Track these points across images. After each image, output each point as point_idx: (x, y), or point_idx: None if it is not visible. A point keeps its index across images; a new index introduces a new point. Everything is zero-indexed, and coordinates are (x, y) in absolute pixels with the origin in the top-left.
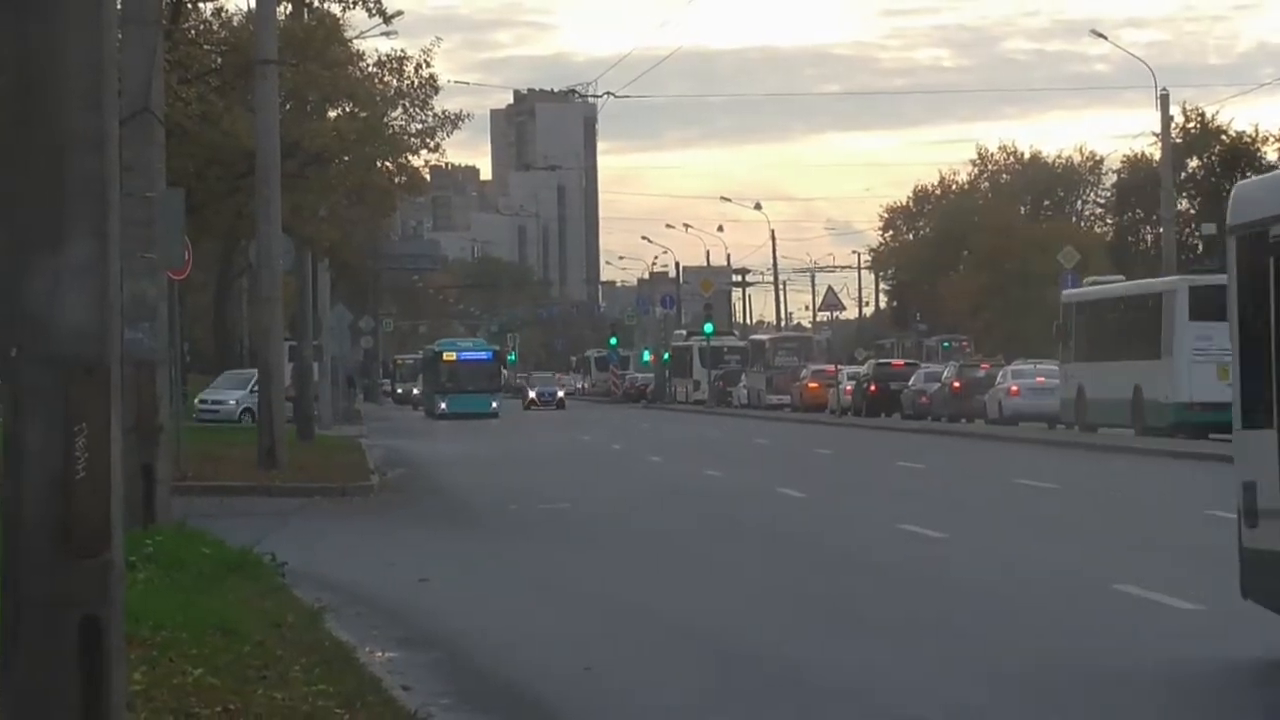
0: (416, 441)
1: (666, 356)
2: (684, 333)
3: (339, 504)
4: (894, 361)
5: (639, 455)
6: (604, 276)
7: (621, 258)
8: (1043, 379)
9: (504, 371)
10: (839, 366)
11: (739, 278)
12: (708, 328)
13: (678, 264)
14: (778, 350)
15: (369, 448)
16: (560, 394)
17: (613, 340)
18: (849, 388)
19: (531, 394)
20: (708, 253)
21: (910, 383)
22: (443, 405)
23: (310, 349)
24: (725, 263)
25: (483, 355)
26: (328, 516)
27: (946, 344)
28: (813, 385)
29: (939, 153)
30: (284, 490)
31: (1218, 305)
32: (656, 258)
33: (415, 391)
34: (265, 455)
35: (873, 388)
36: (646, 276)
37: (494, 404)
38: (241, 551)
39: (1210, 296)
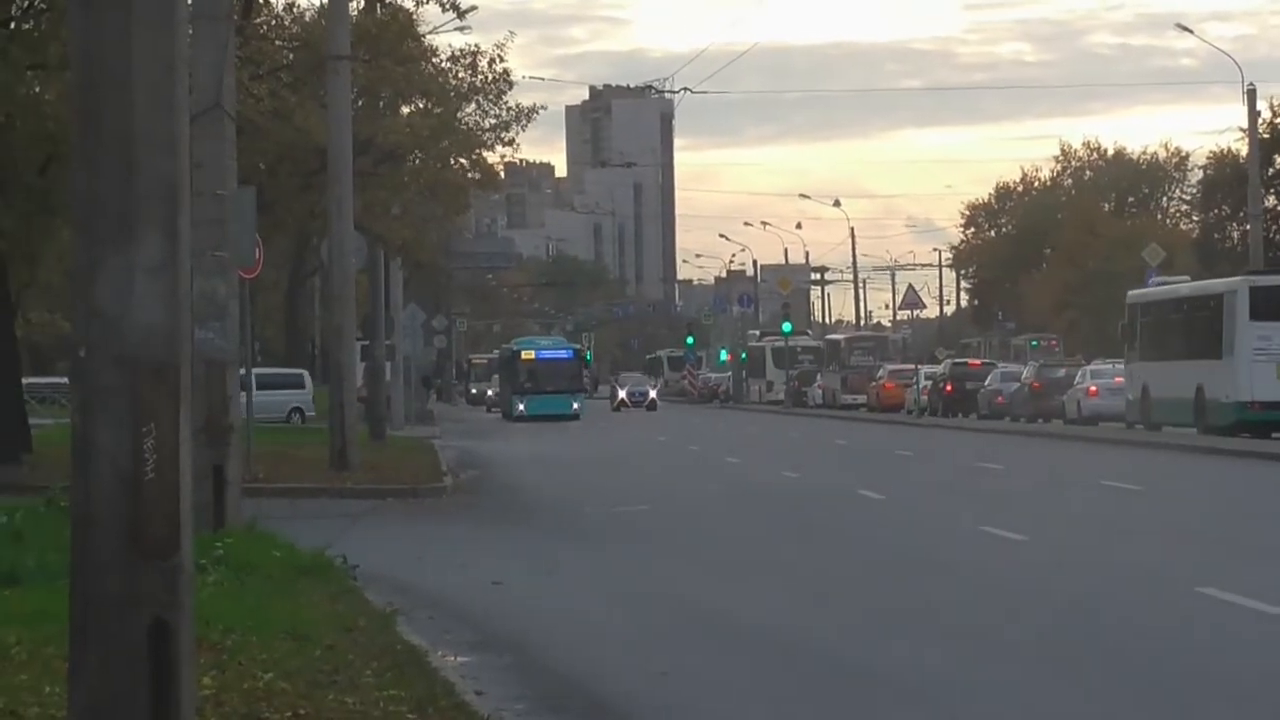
0: (491, 442)
1: (744, 356)
2: (757, 333)
3: (411, 506)
4: (970, 361)
5: (716, 456)
6: (680, 275)
7: (698, 256)
8: (1121, 379)
9: (585, 371)
10: (918, 366)
11: (818, 276)
12: (786, 327)
13: (755, 262)
14: (853, 350)
15: (442, 449)
16: (652, 394)
17: (689, 339)
18: (926, 387)
19: (621, 394)
20: (786, 250)
21: (986, 383)
22: (521, 407)
23: (383, 348)
24: (804, 261)
25: (563, 354)
26: (400, 518)
27: (1034, 343)
28: (889, 385)
29: (1019, 149)
30: (355, 492)
31: (1277, 305)
32: (734, 256)
33: (490, 392)
34: (337, 456)
35: (948, 387)
36: (724, 275)
37: (575, 405)
38: (313, 554)
39: (1271, 296)
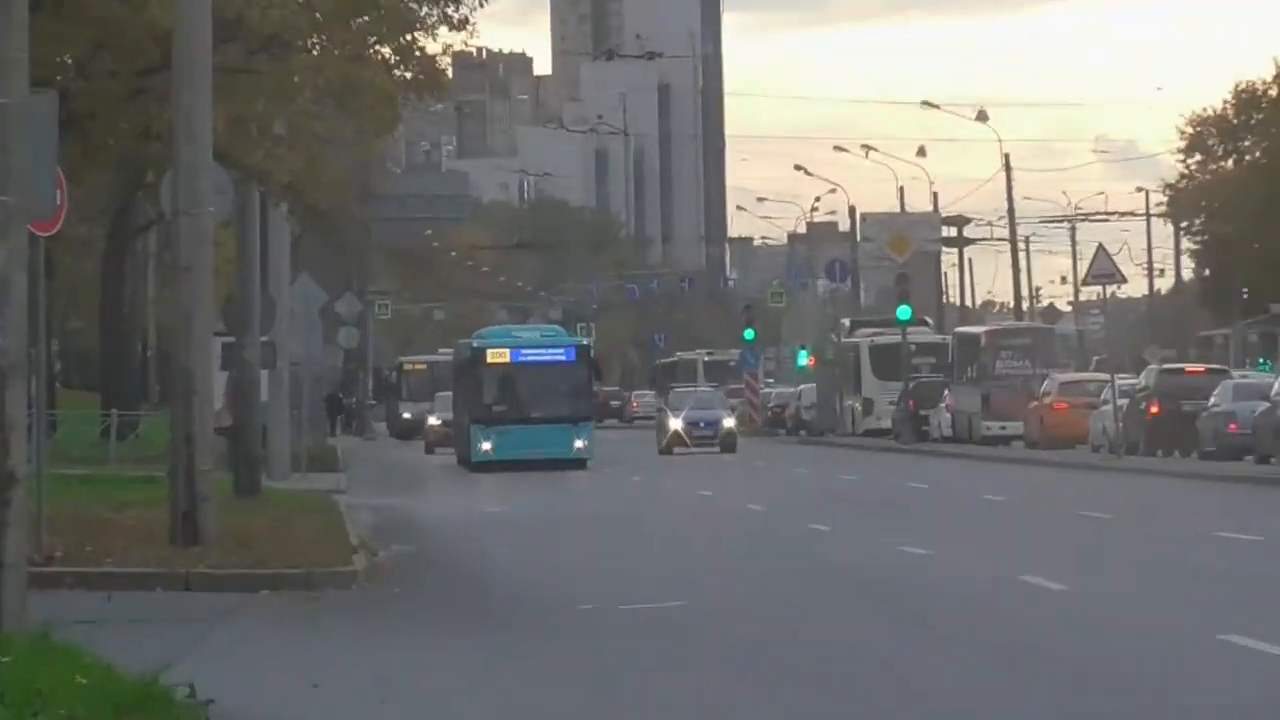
0: (433, 500)
1: (829, 356)
2: (847, 323)
3: (299, 603)
4: (1187, 368)
5: (793, 521)
6: (732, 231)
7: (762, 200)
8: None
9: (596, 381)
10: (1112, 375)
11: (952, 231)
12: (902, 311)
13: (853, 210)
14: (999, 350)
15: (352, 510)
16: (729, 422)
17: (748, 333)
18: (1121, 409)
19: (676, 423)
20: (900, 192)
21: (1212, 401)
22: (486, 445)
23: (257, 349)
24: (930, 207)
25: (558, 353)
26: (280, 624)
27: None
28: (1060, 405)
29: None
30: (211, 580)
31: None
32: (817, 201)
33: (435, 420)
34: (181, 523)
35: (1153, 408)
36: (800, 230)
37: (579, 442)
38: (141, 682)
39: None
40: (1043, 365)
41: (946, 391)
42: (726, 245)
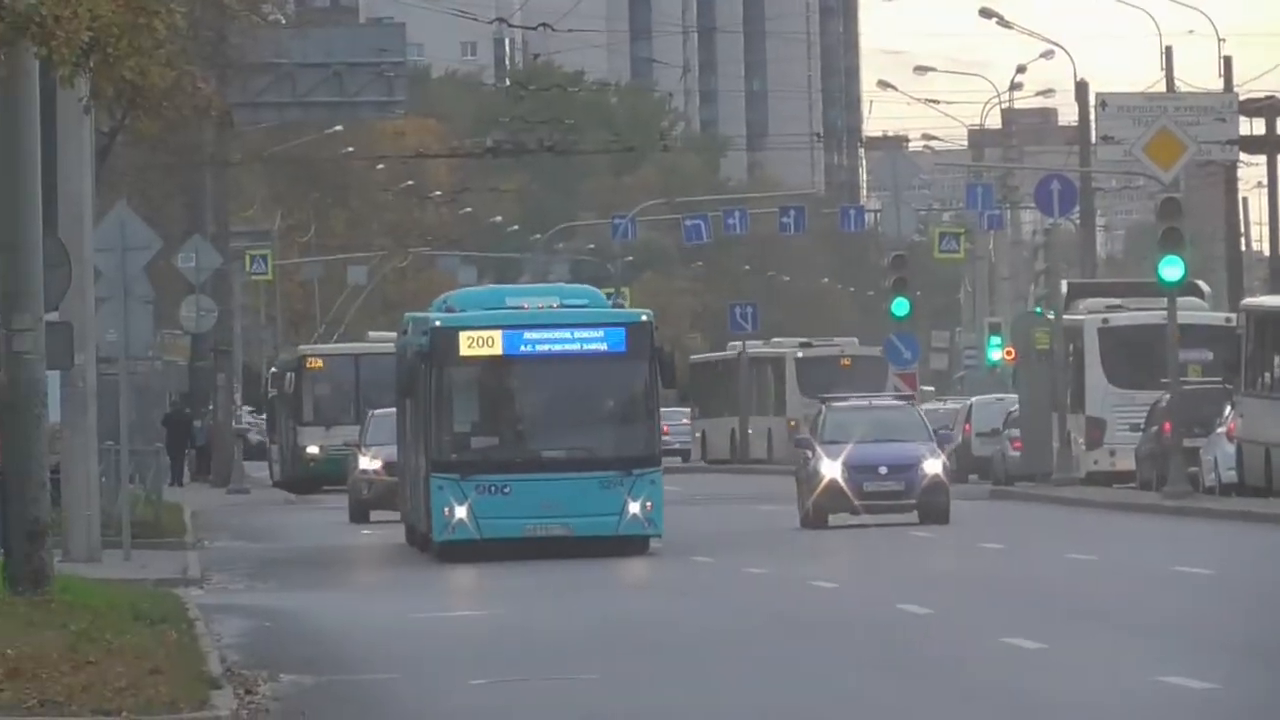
0: (356, 594)
1: (1037, 346)
2: (1063, 286)
3: None
4: None
5: (982, 631)
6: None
7: (923, 72)
8: None
9: (665, 388)
10: None
11: (1260, 127)
12: (1169, 266)
13: (1082, 88)
14: None
15: (209, 614)
16: (933, 467)
17: (898, 305)
18: None
19: (831, 469)
20: (1166, 56)
21: None
22: (460, 512)
23: (37, 336)
24: (1219, 81)
25: (596, 338)
26: None
27: None
28: None
29: None
30: None
31: None
32: (1022, 72)
33: (366, 460)
34: None
35: None
36: (990, 124)
37: (635, 505)
38: None
39: None
40: None
41: (1229, 408)
42: (861, 151)
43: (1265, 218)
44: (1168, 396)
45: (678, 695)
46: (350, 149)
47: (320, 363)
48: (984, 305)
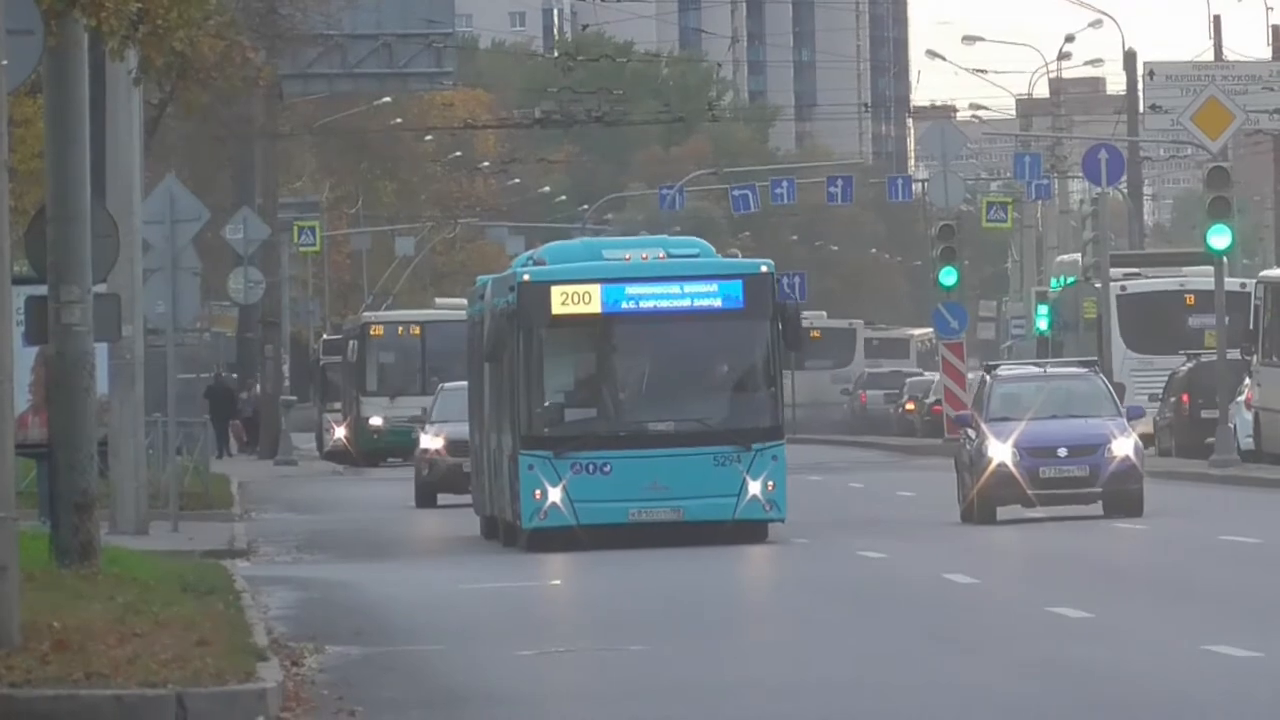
0: (403, 566)
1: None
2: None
3: None
4: None
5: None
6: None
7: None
8: None
9: (778, 342)
10: None
11: None
12: (1216, 235)
13: (1130, 57)
14: None
15: (256, 586)
16: (1124, 447)
17: (946, 274)
18: None
19: (1001, 452)
20: (1214, 25)
21: None
22: (554, 494)
23: (87, 306)
24: (1268, 50)
25: (709, 292)
26: None
27: None
28: None
29: None
30: (8, 713)
31: None
32: (1071, 41)
33: (430, 437)
34: None
35: None
36: (1039, 93)
37: (756, 484)
38: None
39: None
40: None
41: (1248, 378)
42: (909, 121)
43: None
44: (1187, 365)
45: (727, 670)
46: (399, 120)
47: (384, 330)
48: (1031, 275)
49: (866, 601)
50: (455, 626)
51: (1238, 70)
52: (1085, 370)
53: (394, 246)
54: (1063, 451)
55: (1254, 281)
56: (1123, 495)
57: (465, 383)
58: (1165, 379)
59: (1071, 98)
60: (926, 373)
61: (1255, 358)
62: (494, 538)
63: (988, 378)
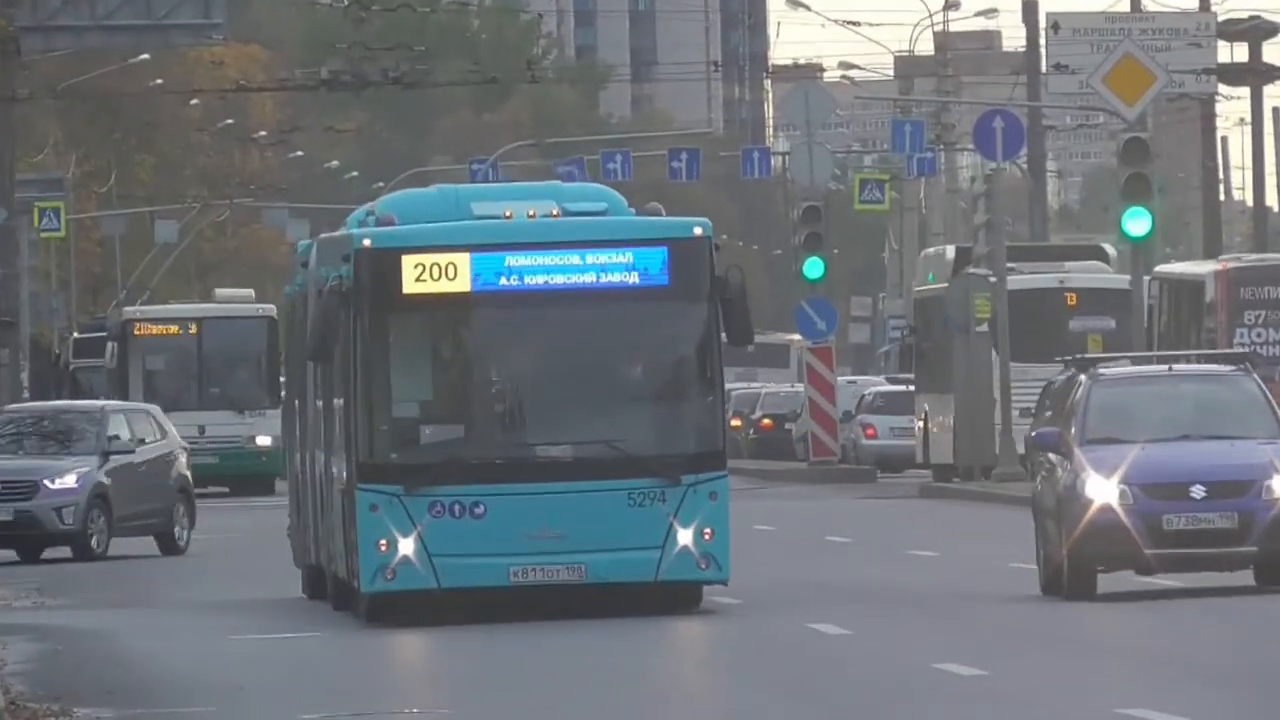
0: (164, 613)
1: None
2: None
3: None
4: None
5: None
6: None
7: None
8: None
9: (717, 334)
10: None
11: (1242, 54)
12: (1133, 220)
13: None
14: (1240, 308)
15: None
16: None
17: (811, 265)
18: None
19: (1104, 491)
20: None
21: None
22: (404, 547)
23: None
24: (1194, 1)
25: (620, 259)
26: None
27: None
28: None
29: None
30: None
31: None
32: None
33: None
34: None
35: None
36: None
37: (688, 535)
38: None
39: None
40: None
41: None
42: (767, 83)
43: (1248, 161)
44: (1062, 376)
45: None
46: (159, 81)
47: (151, 329)
48: (913, 266)
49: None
50: (228, 684)
51: (1159, 22)
52: (1232, 369)
53: (153, 232)
54: (1198, 491)
55: (1148, 278)
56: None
57: (284, 390)
58: (1039, 390)
59: (961, 55)
60: (753, 384)
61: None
62: (320, 597)
63: (1083, 378)
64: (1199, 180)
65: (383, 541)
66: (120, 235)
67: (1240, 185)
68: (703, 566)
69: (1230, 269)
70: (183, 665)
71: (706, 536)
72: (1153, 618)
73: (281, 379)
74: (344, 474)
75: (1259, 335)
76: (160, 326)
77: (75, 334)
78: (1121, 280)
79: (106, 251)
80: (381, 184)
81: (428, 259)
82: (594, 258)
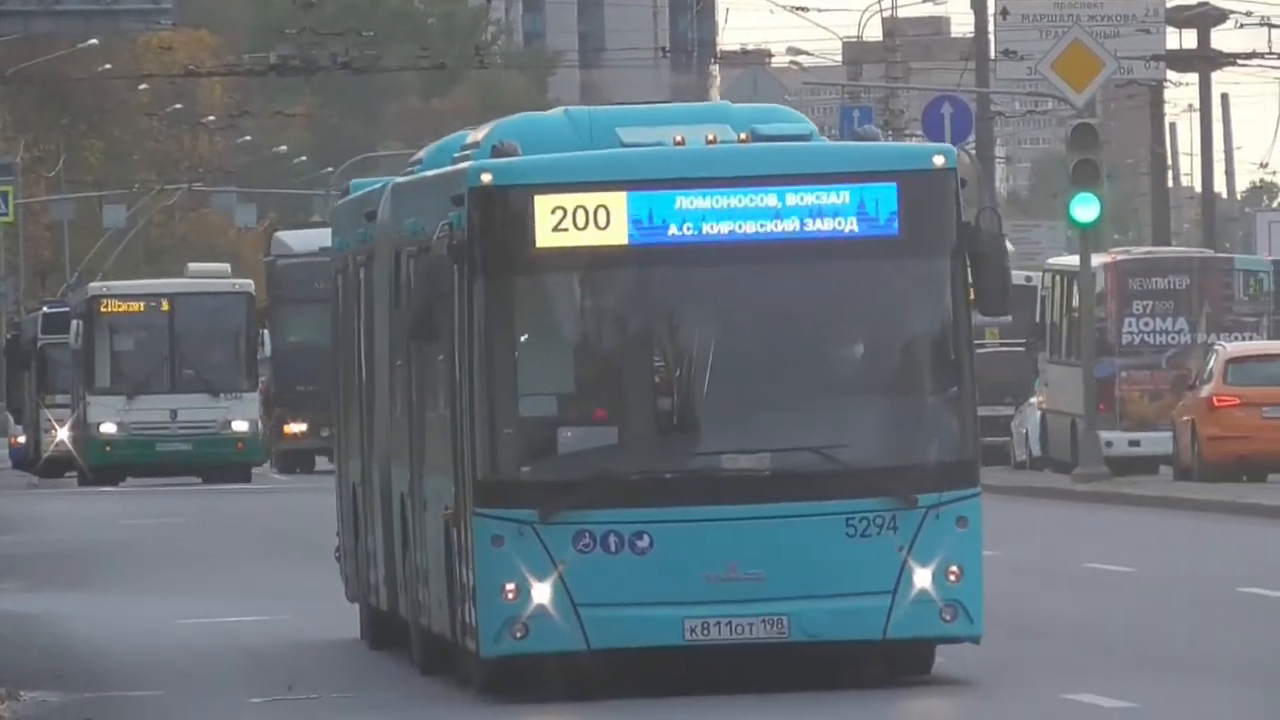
0: (113, 596)
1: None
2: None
3: None
4: None
5: None
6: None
7: None
8: None
9: (966, 300)
10: None
11: (1190, 41)
12: (1081, 205)
13: None
14: (1129, 299)
15: None
16: None
17: None
18: None
19: None
20: None
21: None
22: (539, 594)
23: None
24: None
25: (831, 196)
26: None
27: None
28: (1222, 401)
29: None
30: None
31: None
32: None
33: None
34: None
35: None
36: (871, 36)
37: (926, 575)
38: None
39: None
40: (1213, 327)
41: (1040, 378)
42: (714, 69)
43: (1197, 148)
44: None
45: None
46: (107, 66)
47: (119, 306)
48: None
49: None
50: (178, 668)
51: (1108, 9)
52: None
53: (102, 216)
54: None
55: (1041, 271)
56: None
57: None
58: None
59: (909, 41)
60: None
61: (1043, 355)
62: (384, 647)
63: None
64: (1148, 166)
65: (510, 586)
66: (69, 220)
67: (1189, 171)
68: (947, 618)
69: (1119, 261)
70: (132, 649)
71: (952, 577)
72: None
73: (261, 359)
74: (447, 494)
75: (1146, 325)
76: (129, 304)
77: (45, 309)
78: (1018, 275)
79: (55, 236)
80: (331, 168)
81: (570, 200)
82: (797, 198)
